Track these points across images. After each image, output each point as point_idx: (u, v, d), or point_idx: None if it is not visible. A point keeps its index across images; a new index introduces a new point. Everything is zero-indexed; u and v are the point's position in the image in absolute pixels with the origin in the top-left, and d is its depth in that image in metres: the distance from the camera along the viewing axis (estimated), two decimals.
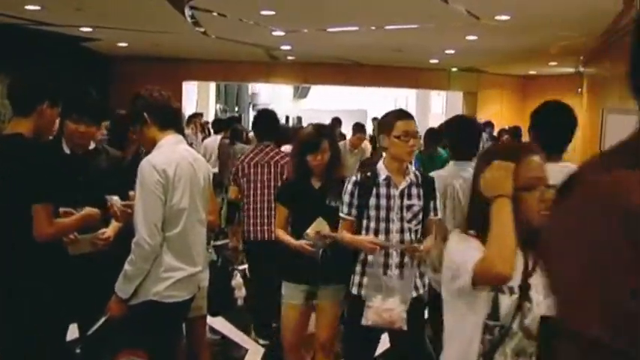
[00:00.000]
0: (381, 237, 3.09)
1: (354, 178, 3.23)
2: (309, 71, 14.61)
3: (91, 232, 3.14)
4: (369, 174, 3.18)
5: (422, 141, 11.07)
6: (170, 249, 2.84)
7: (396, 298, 2.94)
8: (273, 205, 4.42)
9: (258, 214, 4.59)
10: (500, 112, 15.41)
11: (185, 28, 9.15)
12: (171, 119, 2.98)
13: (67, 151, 3.24)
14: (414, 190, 3.17)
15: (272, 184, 4.57)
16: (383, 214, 3.12)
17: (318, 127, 3.59)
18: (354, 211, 3.15)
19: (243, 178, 4.64)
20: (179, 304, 2.87)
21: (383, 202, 3.12)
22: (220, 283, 4.02)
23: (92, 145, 3.36)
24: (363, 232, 3.12)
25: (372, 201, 3.12)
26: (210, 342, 4.47)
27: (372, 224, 3.10)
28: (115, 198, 3.15)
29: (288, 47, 11.62)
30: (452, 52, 11.53)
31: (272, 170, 4.61)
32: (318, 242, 3.30)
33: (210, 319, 3.99)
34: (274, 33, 9.64)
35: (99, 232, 3.17)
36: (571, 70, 13.14)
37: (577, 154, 8.84)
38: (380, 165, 3.20)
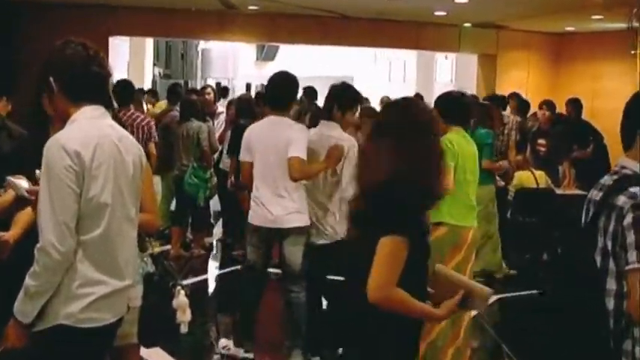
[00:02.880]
0: None
1: None
2: (277, 25, 14.58)
3: None
4: None
5: None
6: (88, 257, 2.80)
7: None
8: None
9: None
10: (526, 82, 15.53)
11: None
12: (91, 89, 2.93)
13: None
14: None
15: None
16: None
17: None
18: None
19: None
20: (100, 330, 2.84)
21: None
22: (158, 301, 4.00)
23: None
24: None
25: None
26: None
27: None
28: (20, 182, 3.13)
29: None
30: (464, 0, 11.59)
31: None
32: None
33: (144, 351, 3.97)
34: None
35: None
36: (622, 25, 13.27)
37: None
38: None
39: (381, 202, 2.84)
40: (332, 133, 5.43)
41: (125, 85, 8.18)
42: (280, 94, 5.43)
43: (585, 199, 2.86)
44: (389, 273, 2.78)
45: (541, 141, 9.61)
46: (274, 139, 5.25)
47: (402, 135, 2.91)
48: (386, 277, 2.78)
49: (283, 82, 5.47)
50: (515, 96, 11.33)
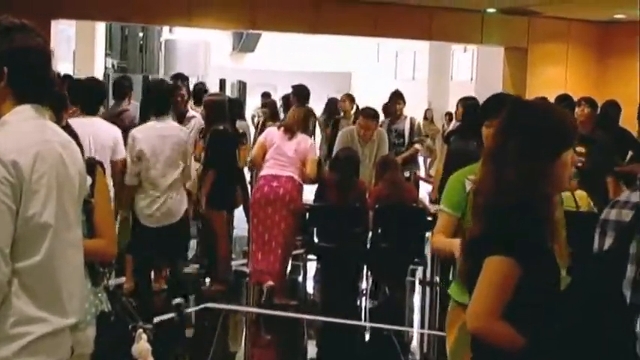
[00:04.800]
0: None
1: None
2: (258, 10, 14.65)
3: None
4: None
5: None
6: (24, 289, 2.79)
7: None
8: None
9: None
10: (563, 81, 15.64)
11: None
12: (42, 84, 2.95)
13: None
14: None
15: None
16: None
17: None
18: None
19: None
20: None
21: None
22: (114, 347, 3.99)
23: None
24: None
25: None
26: None
27: None
28: None
29: None
30: None
31: None
32: None
33: None
34: None
35: None
36: None
37: None
38: None
39: (503, 222, 2.94)
40: None
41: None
42: None
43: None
44: (493, 300, 2.87)
45: (579, 149, 9.30)
46: None
47: (538, 146, 3.00)
48: (490, 304, 2.86)
49: None
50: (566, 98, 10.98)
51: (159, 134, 7.49)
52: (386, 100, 11.81)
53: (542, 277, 2.95)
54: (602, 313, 2.87)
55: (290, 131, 8.33)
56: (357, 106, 12.69)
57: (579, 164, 9.38)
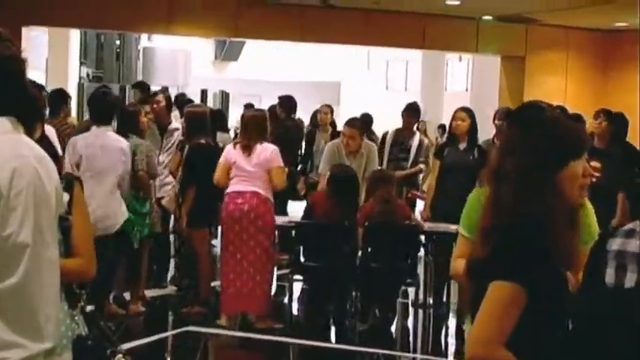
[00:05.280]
0: None
1: None
2: (241, 17, 14.68)
3: None
4: None
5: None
6: (0, 312, 2.81)
7: None
8: None
9: None
10: (563, 91, 15.71)
11: None
12: (16, 94, 2.96)
13: None
14: None
15: None
16: None
17: None
18: None
19: None
20: None
21: None
22: None
23: None
24: None
25: None
26: None
27: None
28: None
29: None
30: None
31: None
32: None
33: None
34: None
35: None
36: None
37: None
38: None
39: (505, 243, 2.89)
40: None
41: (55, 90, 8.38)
42: None
43: None
44: (496, 327, 2.83)
45: (594, 164, 9.20)
46: None
47: (544, 160, 2.94)
48: (492, 331, 2.83)
49: None
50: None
51: (97, 143, 7.89)
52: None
53: (550, 303, 2.89)
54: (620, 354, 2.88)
55: (245, 148, 8.30)
56: (334, 121, 12.72)
57: (593, 180, 9.33)
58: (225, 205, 8.29)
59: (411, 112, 11.18)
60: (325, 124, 12.13)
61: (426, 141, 11.18)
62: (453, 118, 9.26)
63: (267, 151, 8.30)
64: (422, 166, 10.79)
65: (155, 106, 10.35)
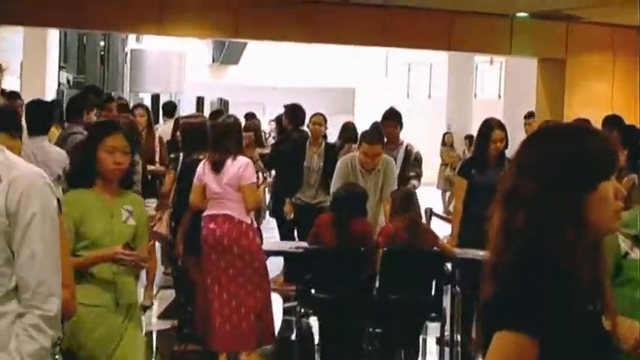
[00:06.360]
0: None
1: None
2: (242, 15, 14.68)
3: None
4: None
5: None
6: None
7: None
8: None
9: None
10: (609, 95, 15.65)
11: None
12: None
13: None
14: None
15: None
16: None
17: None
18: None
19: None
20: None
21: None
22: None
23: None
24: None
25: None
26: None
27: None
28: None
29: None
30: None
31: None
32: None
33: None
34: None
35: None
36: None
37: None
38: None
39: (512, 283, 2.72)
40: None
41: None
42: None
43: None
44: None
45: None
46: None
47: (568, 180, 2.74)
48: None
49: None
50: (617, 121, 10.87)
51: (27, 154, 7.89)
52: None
53: (575, 356, 2.73)
54: None
55: (214, 165, 8.20)
56: (325, 135, 12.45)
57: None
58: (201, 231, 8.23)
59: (392, 119, 10.70)
60: (317, 136, 11.67)
61: (415, 150, 10.59)
62: (491, 139, 8.98)
63: (236, 166, 8.17)
64: (414, 182, 10.24)
65: (139, 119, 10.38)
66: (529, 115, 14.25)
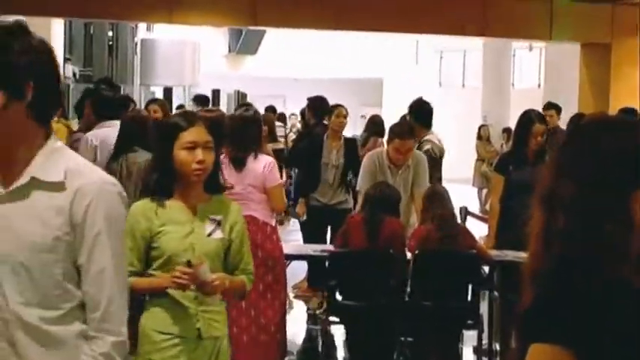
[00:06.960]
0: None
1: None
2: (260, 1, 14.68)
3: None
4: None
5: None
6: None
7: None
8: None
9: None
10: None
11: None
12: (58, 103, 3.30)
13: None
14: None
15: None
16: None
17: None
18: None
19: None
20: None
21: None
22: None
23: None
24: None
25: None
26: None
27: None
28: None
29: None
30: None
31: None
32: None
33: None
34: None
35: None
36: None
37: None
38: None
39: (548, 291, 2.67)
40: None
41: None
42: None
43: None
44: None
45: None
46: None
47: (614, 179, 2.66)
48: None
49: None
50: None
51: None
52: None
53: None
54: None
55: (235, 162, 8.10)
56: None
57: None
58: None
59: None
60: (338, 129, 11.39)
61: (438, 149, 10.34)
62: (532, 133, 8.92)
63: (259, 165, 8.09)
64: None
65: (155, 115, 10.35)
66: (549, 107, 14.10)
